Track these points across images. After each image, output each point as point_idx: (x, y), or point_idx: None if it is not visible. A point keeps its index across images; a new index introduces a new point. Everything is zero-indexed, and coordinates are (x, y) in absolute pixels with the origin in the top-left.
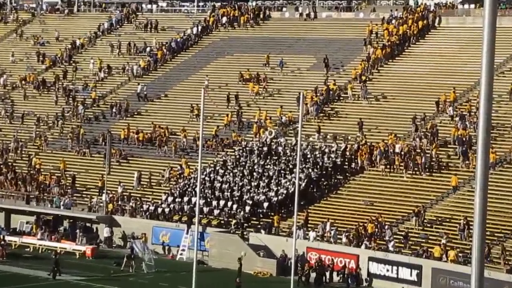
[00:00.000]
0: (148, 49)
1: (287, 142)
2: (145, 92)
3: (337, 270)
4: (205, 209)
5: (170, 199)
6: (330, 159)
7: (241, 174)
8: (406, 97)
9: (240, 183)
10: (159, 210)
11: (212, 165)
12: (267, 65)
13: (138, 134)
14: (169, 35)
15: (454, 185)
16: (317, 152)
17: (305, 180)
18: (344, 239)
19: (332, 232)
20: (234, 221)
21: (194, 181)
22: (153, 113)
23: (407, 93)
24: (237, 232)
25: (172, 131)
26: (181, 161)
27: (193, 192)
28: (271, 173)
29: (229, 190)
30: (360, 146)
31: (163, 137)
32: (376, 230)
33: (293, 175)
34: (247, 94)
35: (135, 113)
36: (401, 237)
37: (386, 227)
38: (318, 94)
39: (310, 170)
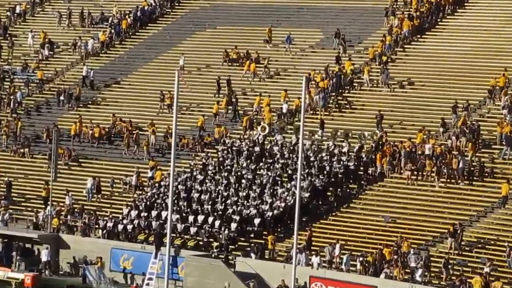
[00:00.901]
0: (109, 19)
1: (285, 140)
2: (92, 78)
3: None
4: (179, 227)
5: (133, 213)
6: (341, 163)
7: (225, 182)
8: (439, 84)
9: (225, 193)
10: (120, 227)
11: (188, 170)
12: (268, 42)
13: (93, 130)
14: (134, 2)
15: (504, 195)
16: (323, 154)
17: (308, 190)
18: (358, 266)
19: (344, 258)
20: (216, 242)
21: (165, 190)
22: (113, 102)
23: (441, 78)
24: (220, 256)
25: (138, 126)
26: (149, 163)
27: (164, 205)
28: (264, 181)
29: (210, 202)
30: (380, 147)
31: (131, 133)
32: (397, 255)
33: (292, 183)
34: (237, 78)
35: (89, 102)
36: (432, 264)
37: (412, 251)
38: (327, 79)
39: (314, 177)
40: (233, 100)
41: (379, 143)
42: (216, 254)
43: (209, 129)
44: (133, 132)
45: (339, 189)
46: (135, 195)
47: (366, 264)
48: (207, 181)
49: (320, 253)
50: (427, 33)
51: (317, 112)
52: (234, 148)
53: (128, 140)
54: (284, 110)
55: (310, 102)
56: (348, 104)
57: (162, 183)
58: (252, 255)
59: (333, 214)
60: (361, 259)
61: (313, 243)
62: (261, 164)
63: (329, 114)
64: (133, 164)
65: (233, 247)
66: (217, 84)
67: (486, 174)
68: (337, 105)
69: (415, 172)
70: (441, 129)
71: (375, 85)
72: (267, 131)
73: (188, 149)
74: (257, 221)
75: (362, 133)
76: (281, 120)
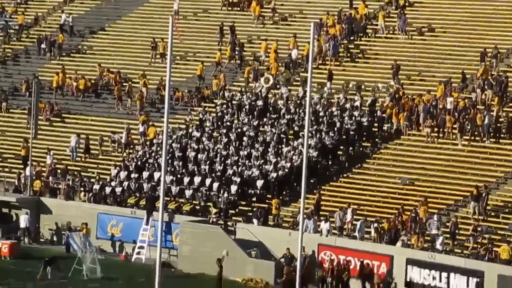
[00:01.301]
0: None
1: (291, 93)
2: (71, 24)
3: (361, 276)
4: (174, 189)
5: (122, 174)
6: (353, 118)
7: (225, 140)
8: (463, 30)
9: (224, 153)
10: (107, 190)
11: (183, 126)
12: None
13: (78, 82)
14: None
15: None
16: (334, 109)
17: (317, 149)
18: (372, 233)
19: (358, 224)
20: (214, 207)
21: (158, 148)
22: (100, 51)
23: (465, 23)
24: (219, 222)
25: (127, 77)
26: (139, 118)
27: (156, 165)
28: (268, 139)
29: (208, 163)
30: (396, 100)
31: (122, 85)
32: (415, 221)
33: (299, 141)
34: (238, 24)
35: (73, 51)
36: (454, 231)
37: (435, 217)
38: (339, 24)
39: (323, 134)
40: (237, 49)
41: (395, 96)
42: (214, 219)
43: (208, 80)
44: (125, 84)
45: (350, 148)
46: (125, 155)
47: (381, 231)
48: (204, 138)
49: (329, 218)
50: None
51: (327, 62)
52: (234, 102)
53: (119, 92)
54: (294, 57)
55: (319, 50)
56: (361, 53)
57: (154, 141)
58: (255, 221)
59: (344, 175)
60: (375, 225)
61: (322, 208)
62: (264, 120)
63: (340, 64)
64: (123, 120)
65: (233, 212)
66: (220, 31)
67: None
68: (348, 54)
69: (435, 129)
70: (465, 81)
71: (391, 32)
72: (271, 83)
73: (183, 103)
74: (260, 183)
75: (376, 85)
76: (286, 71)
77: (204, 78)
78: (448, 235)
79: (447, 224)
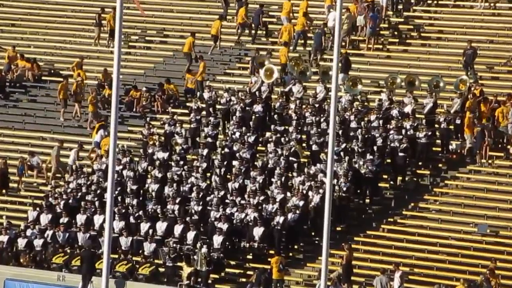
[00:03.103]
0: None
1: (306, 93)
2: None
3: None
4: (124, 242)
5: (45, 218)
6: (403, 132)
7: (204, 165)
8: None
9: (203, 185)
10: (21, 243)
11: (140, 143)
12: None
13: None
14: None
15: None
16: (372, 117)
17: (347, 179)
18: None
19: None
20: (188, 268)
21: (100, 178)
22: (11, 28)
23: None
24: None
25: (54, 68)
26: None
27: (98, 204)
28: (270, 163)
29: (178, 201)
30: (470, 105)
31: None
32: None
33: (318, 166)
34: None
35: None
36: None
37: None
38: None
39: (356, 156)
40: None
41: (469, 98)
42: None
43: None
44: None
45: (399, 177)
46: (49, 187)
47: None
48: (172, 163)
49: (366, 286)
50: None
51: (362, 45)
52: (219, 107)
53: (65, 89)
54: (331, 24)
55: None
56: (415, 30)
57: (95, 166)
58: None
59: (390, 220)
60: None
61: (355, 271)
62: (265, 134)
63: (383, 48)
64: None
65: (216, 277)
66: None
67: None
68: (396, 33)
69: None
70: None
71: None
72: (275, 76)
73: (140, 109)
74: (258, 231)
75: (439, 80)
76: (299, 59)
77: (197, 58)
78: None
79: None
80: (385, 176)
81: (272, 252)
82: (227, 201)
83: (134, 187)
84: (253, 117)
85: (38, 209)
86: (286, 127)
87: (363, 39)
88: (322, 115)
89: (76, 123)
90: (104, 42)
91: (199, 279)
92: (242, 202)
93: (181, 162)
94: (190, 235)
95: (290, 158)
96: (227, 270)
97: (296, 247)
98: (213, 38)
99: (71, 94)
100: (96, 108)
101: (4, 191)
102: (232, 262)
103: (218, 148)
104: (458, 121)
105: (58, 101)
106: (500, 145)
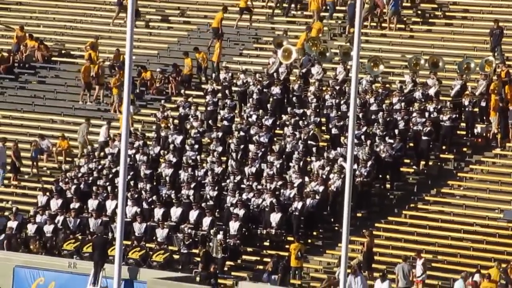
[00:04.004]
0: None
1: (326, 75)
2: None
3: None
4: (138, 228)
5: (55, 203)
6: (426, 115)
7: (220, 149)
8: None
9: (218, 169)
10: (31, 229)
11: (153, 127)
12: None
13: None
14: None
15: None
16: (394, 100)
17: (368, 164)
18: None
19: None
20: (202, 256)
21: (112, 162)
22: (20, 7)
23: None
24: (209, 280)
25: (65, 48)
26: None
27: (110, 189)
28: (288, 147)
29: (193, 186)
30: (497, 87)
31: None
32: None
33: (338, 151)
34: None
35: None
36: None
37: None
38: None
39: (378, 140)
40: None
41: (496, 79)
42: (201, 276)
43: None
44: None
45: (422, 162)
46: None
47: None
48: (187, 147)
49: (388, 275)
50: None
51: (384, 24)
52: (235, 89)
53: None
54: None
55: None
56: (439, 9)
57: (107, 150)
58: (266, 277)
59: (412, 206)
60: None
61: (376, 258)
62: (283, 117)
63: (405, 28)
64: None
65: (232, 264)
66: None
67: None
68: (419, 12)
69: None
70: None
71: None
72: (293, 57)
73: (153, 90)
74: (275, 217)
75: (469, 60)
76: (317, 39)
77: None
78: None
79: None
80: (407, 161)
81: (290, 238)
82: (243, 186)
83: (148, 172)
84: (271, 99)
85: (48, 194)
86: (305, 110)
87: (385, 18)
88: (342, 98)
89: (95, 106)
90: (121, 22)
91: (214, 267)
92: (259, 187)
93: (196, 146)
94: (206, 221)
95: (309, 142)
96: (243, 257)
97: (315, 233)
98: (213, 31)
99: (93, 77)
100: (120, 90)
101: (15, 176)
102: (249, 249)
103: (234, 132)
104: (483, 104)
105: (69, 83)
106: None
